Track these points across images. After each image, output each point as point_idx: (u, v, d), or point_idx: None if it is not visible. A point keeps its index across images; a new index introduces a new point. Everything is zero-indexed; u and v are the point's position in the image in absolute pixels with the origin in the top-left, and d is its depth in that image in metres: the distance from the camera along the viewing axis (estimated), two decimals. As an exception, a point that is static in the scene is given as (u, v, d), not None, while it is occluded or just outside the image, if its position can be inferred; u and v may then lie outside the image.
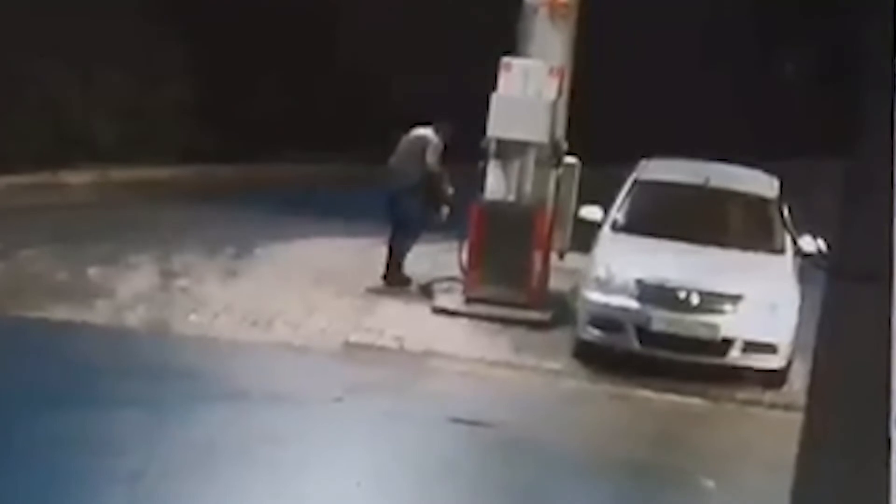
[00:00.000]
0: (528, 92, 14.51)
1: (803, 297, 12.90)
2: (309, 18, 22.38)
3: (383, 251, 15.56)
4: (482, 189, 14.76)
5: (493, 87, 14.50)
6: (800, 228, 14.03)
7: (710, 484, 10.50)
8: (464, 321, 14.24)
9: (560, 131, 15.02)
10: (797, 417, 6.05)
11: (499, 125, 14.50)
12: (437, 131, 15.44)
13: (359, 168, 20.05)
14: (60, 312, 13.22)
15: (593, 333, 13.35)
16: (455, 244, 14.96)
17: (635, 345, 13.18)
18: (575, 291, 14.22)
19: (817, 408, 5.77)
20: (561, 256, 15.36)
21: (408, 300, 14.75)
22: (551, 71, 14.65)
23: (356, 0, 22.86)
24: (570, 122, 15.26)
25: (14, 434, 9.59)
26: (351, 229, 17.35)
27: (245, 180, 20.53)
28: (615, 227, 14.25)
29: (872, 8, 5.40)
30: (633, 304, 13.19)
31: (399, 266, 15.38)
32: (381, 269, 15.33)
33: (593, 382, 12.96)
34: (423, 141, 15.38)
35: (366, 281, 15.28)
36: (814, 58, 25.88)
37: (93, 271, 14.61)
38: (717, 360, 13.13)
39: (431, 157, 15.24)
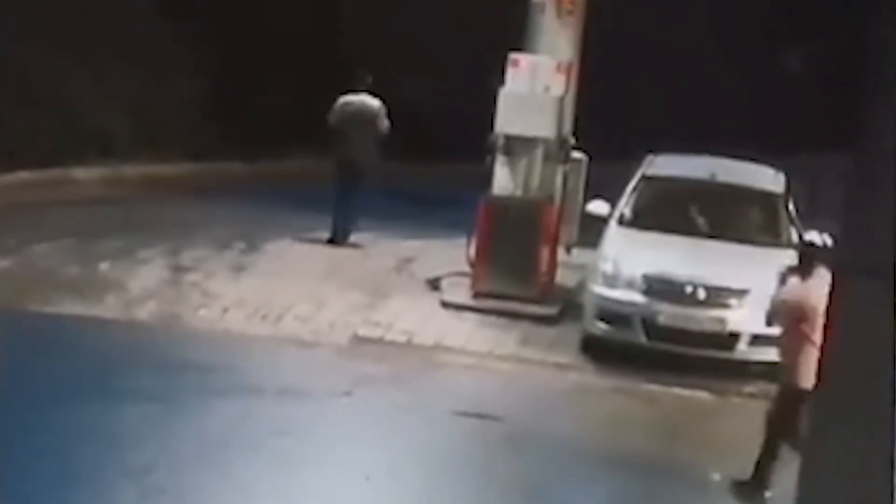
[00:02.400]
0: (535, 88, 14.57)
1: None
2: (317, 14, 22.42)
3: (390, 246, 16.01)
4: (490, 184, 14.82)
5: (501, 83, 14.58)
6: (805, 223, 14.11)
7: (717, 477, 10.56)
8: (472, 315, 14.29)
9: (567, 127, 15.08)
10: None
11: (507, 121, 14.57)
12: (371, 94, 16.62)
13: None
14: (72, 307, 13.30)
15: (600, 328, 13.42)
16: (463, 239, 15.03)
17: (642, 339, 13.25)
18: (582, 286, 14.28)
19: (824, 401, 5.82)
20: (568, 251, 15.42)
21: (416, 295, 14.81)
22: (559, 67, 14.72)
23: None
24: (577, 117, 15.32)
25: (26, 427, 9.65)
26: (358, 224, 17.42)
27: (254, 176, 20.57)
28: (622, 222, 14.31)
29: (880, 3, 5.43)
30: (641, 298, 13.25)
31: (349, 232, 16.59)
32: (329, 234, 16.63)
33: (600, 376, 13.01)
34: (371, 111, 16.58)
35: (374, 275, 15.36)
36: (821, 53, 25.87)
37: (104, 266, 14.67)
38: (723, 354, 13.19)
39: (384, 124, 16.59)
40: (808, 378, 9.57)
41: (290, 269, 15.31)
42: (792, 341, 10.21)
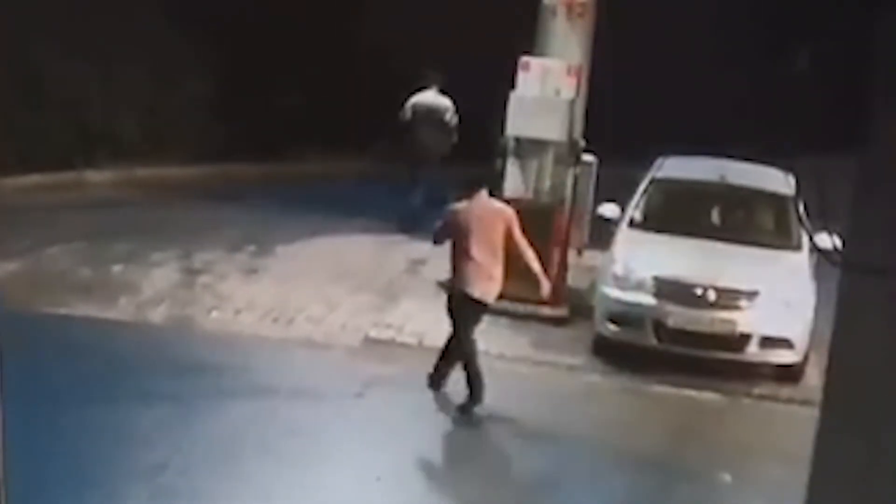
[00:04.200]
0: (546, 91, 14.60)
1: (819, 292, 12.98)
2: (328, 15, 22.45)
3: (403, 245, 16.34)
4: (501, 187, 14.85)
5: (512, 86, 14.62)
6: (814, 224, 14.09)
7: (727, 478, 10.59)
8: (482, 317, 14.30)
9: (578, 130, 15.10)
10: (813, 412, 6.11)
11: (517, 124, 14.60)
12: (440, 91, 17.39)
13: (378, 165, 20.18)
14: (84, 309, 13.35)
15: (611, 329, 13.44)
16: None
17: (653, 341, 13.26)
18: (593, 288, 14.31)
19: (833, 402, 5.83)
20: (579, 253, 15.45)
21: (427, 297, 14.83)
22: (569, 70, 14.73)
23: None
24: (587, 120, 15.34)
25: (40, 428, 9.68)
26: (370, 225, 17.47)
27: (265, 177, 20.59)
28: (633, 225, 14.34)
29: (886, 3, 5.44)
30: (651, 300, 13.27)
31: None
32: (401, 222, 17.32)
33: (611, 378, 13.03)
34: (439, 109, 17.35)
35: (386, 277, 15.39)
36: (828, 53, 25.84)
37: (116, 268, 14.72)
38: (734, 356, 13.20)
39: (453, 119, 17.35)
40: (469, 285, 11.68)
41: (301, 271, 15.34)
42: (456, 253, 11.78)
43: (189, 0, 20.66)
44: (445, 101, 17.57)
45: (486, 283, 11.71)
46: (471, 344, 11.81)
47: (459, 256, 11.77)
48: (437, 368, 12.00)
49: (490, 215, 11.86)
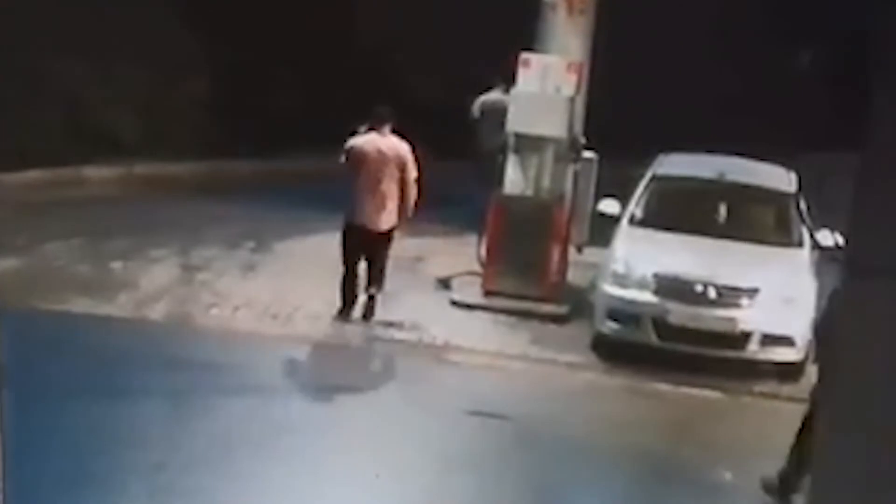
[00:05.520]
0: (546, 87, 14.58)
1: (821, 289, 12.95)
2: (328, 13, 22.46)
3: (401, 241, 16.03)
4: (501, 183, 14.83)
5: (513, 82, 14.60)
6: (816, 222, 14.09)
7: (728, 476, 10.56)
8: (482, 314, 14.31)
9: (578, 126, 15.09)
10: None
11: (518, 120, 14.59)
12: (506, 91, 16.93)
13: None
14: (83, 305, 13.33)
15: (611, 327, 13.42)
16: (473, 238, 15.03)
17: (653, 338, 13.24)
18: (593, 285, 14.29)
19: (835, 401, 5.80)
20: (579, 250, 15.43)
21: (426, 294, 14.82)
22: (569, 66, 14.72)
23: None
24: (588, 117, 15.32)
25: (36, 426, 9.64)
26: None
27: (264, 175, 20.61)
28: (633, 222, 14.31)
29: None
30: (651, 297, 13.25)
31: None
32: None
33: (611, 375, 13.02)
34: (501, 111, 16.72)
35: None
36: (828, 50, 25.84)
37: (114, 265, 14.71)
38: (734, 354, 13.18)
39: None
40: (366, 217, 12.70)
41: (300, 268, 15.32)
42: (355, 185, 12.68)
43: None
44: (503, 99, 17.54)
45: (383, 215, 12.66)
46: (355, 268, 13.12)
47: (358, 189, 12.57)
48: (344, 302, 13.23)
49: (389, 151, 12.63)
